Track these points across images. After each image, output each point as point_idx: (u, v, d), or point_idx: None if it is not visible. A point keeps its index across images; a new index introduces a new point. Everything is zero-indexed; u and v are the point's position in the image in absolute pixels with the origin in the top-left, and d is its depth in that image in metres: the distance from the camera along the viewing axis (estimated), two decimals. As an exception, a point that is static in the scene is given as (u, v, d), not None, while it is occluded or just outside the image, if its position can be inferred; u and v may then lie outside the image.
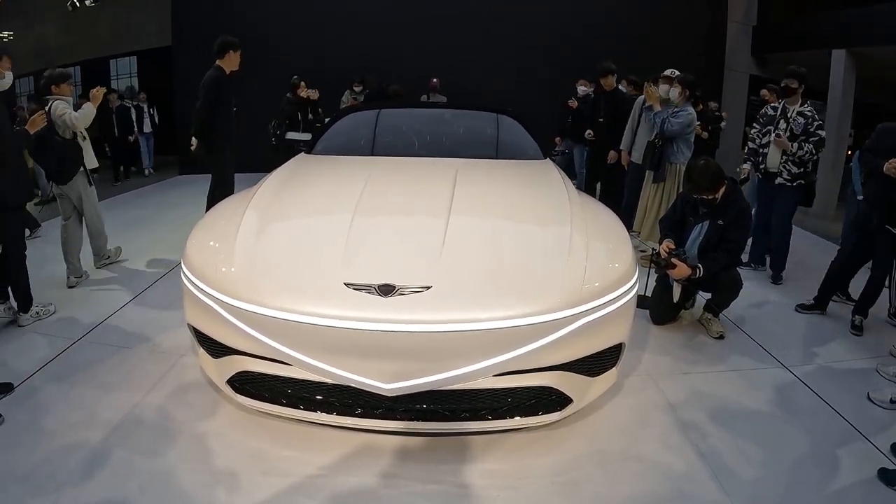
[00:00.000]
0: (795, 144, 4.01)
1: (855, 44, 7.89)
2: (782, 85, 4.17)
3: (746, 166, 4.44)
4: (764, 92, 5.88)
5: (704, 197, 3.21)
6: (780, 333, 3.44)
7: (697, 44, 9.58)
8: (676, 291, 3.45)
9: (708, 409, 2.58)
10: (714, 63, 9.81)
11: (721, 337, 3.30)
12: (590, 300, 2.11)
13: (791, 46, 9.07)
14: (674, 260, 3.14)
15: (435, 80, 8.02)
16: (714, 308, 3.38)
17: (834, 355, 3.19)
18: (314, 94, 6.89)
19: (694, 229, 3.33)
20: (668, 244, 3.28)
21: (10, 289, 3.26)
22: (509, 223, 2.56)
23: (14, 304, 3.28)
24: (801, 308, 3.78)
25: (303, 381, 2.11)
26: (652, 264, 3.35)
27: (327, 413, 2.16)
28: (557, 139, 6.93)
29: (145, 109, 9.25)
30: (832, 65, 8.12)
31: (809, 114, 4.03)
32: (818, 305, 3.74)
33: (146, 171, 9.46)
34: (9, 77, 3.35)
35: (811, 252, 5.26)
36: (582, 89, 6.12)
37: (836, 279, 3.70)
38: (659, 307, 3.46)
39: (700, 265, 3.17)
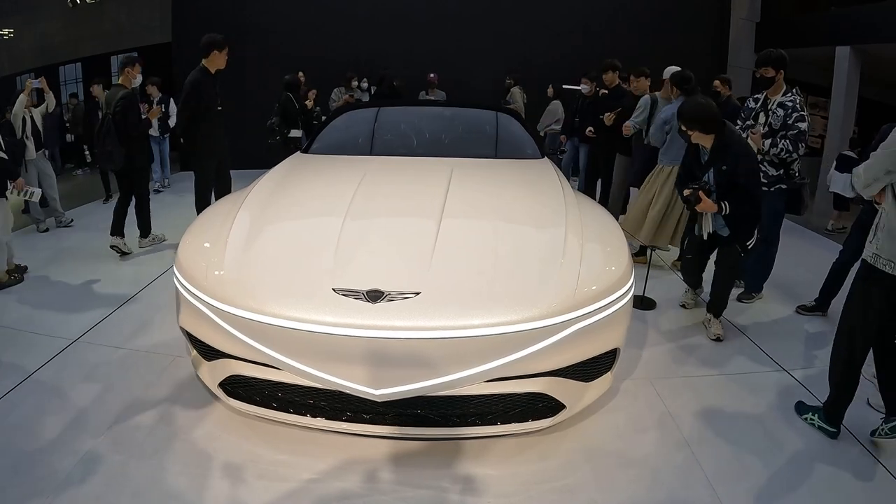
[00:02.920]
0: (768, 142, 3.47)
1: (859, 40, 7.80)
2: (757, 76, 3.61)
3: None
4: (716, 83, 5.59)
5: (689, 133, 3.10)
6: (781, 336, 3.41)
7: (701, 40, 9.50)
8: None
9: (704, 413, 2.56)
10: (718, 60, 9.73)
11: (718, 339, 3.28)
12: (583, 305, 2.09)
13: (796, 43, 8.96)
14: (701, 193, 3.07)
15: (433, 74, 7.97)
16: (714, 305, 3.34)
17: (834, 358, 3.15)
18: (302, 77, 6.99)
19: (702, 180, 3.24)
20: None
21: (139, 225, 4.81)
22: (502, 225, 2.53)
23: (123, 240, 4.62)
24: (802, 309, 3.75)
25: (293, 385, 2.10)
26: (682, 200, 3.35)
27: (317, 417, 2.15)
28: (563, 138, 6.87)
29: (153, 106, 6.35)
30: (836, 61, 8.03)
31: (790, 104, 3.47)
32: (819, 307, 3.71)
33: (162, 184, 7.48)
34: (139, 78, 4.40)
35: (814, 252, 5.22)
36: (584, 87, 6.05)
37: (838, 280, 3.66)
38: (694, 276, 3.64)
39: (725, 202, 3.06)
